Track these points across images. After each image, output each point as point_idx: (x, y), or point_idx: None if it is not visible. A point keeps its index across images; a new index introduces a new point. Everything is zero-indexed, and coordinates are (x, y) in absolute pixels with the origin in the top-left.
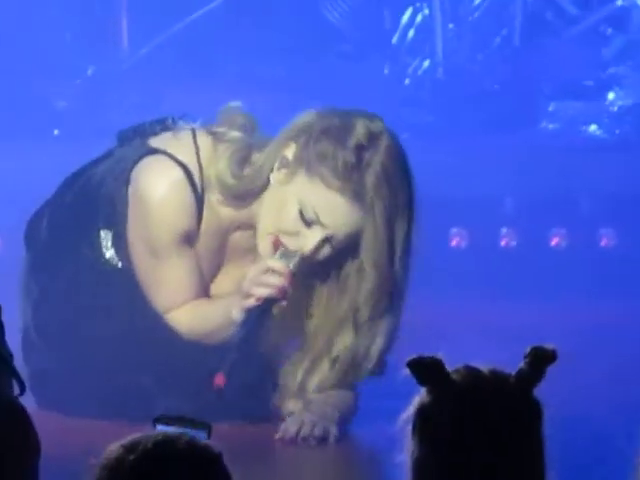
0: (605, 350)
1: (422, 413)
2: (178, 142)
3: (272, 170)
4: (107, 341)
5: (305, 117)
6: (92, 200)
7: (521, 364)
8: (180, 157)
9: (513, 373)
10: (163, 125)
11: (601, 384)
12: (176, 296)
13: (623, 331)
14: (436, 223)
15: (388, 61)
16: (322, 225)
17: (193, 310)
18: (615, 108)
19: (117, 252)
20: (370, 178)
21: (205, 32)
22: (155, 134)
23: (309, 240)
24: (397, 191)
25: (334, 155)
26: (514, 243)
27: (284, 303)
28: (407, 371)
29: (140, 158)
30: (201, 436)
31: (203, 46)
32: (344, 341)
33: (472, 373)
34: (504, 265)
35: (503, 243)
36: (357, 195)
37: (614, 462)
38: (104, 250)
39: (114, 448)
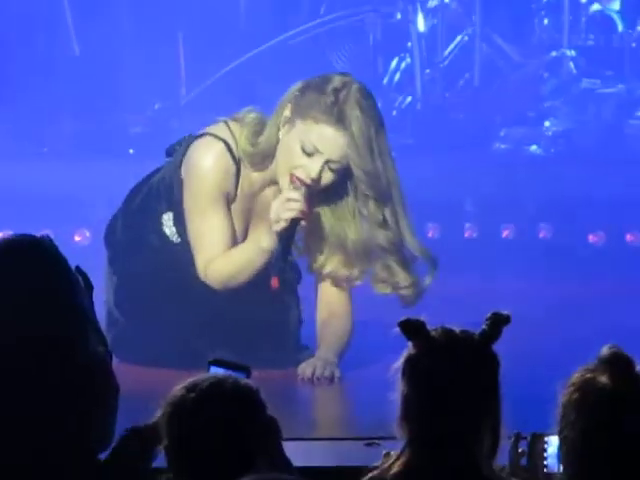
0: (541, 314)
1: (409, 361)
2: (216, 127)
3: (279, 130)
4: (169, 310)
5: (293, 86)
6: (155, 196)
7: (483, 325)
8: (219, 134)
9: (478, 332)
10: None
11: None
12: (215, 247)
13: (559, 300)
14: (417, 220)
15: (379, 97)
16: (320, 152)
17: (228, 256)
18: (550, 133)
19: (177, 229)
20: (347, 108)
21: (249, 74)
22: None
23: (314, 166)
24: (368, 113)
25: (318, 100)
26: (475, 234)
27: (304, 223)
28: (398, 329)
29: (188, 146)
30: (242, 375)
31: (247, 85)
32: (352, 235)
33: (446, 331)
34: (467, 251)
35: (467, 235)
36: (339, 122)
37: (549, 401)
38: (165, 230)
39: (178, 388)
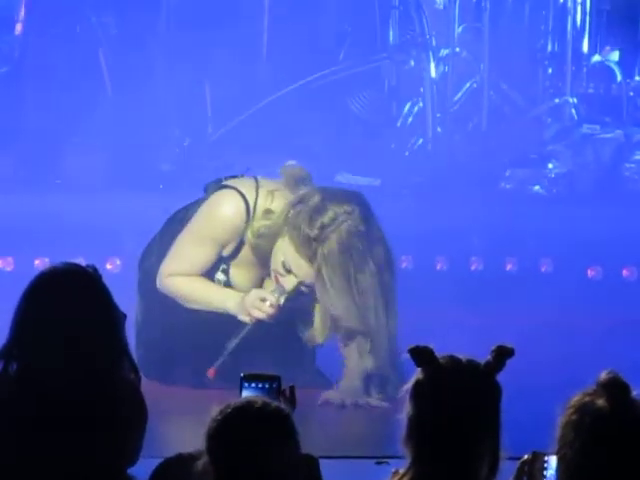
0: (545, 345)
1: (416, 385)
2: (242, 182)
3: (281, 227)
4: (194, 332)
5: (309, 189)
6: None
7: (488, 356)
8: (243, 191)
9: (483, 362)
10: (234, 176)
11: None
12: (186, 266)
13: (559, 330)
14: (426, 252)
15: (394, 139)
16: (295, 274)
17: (194, 281)
18: (552, 174)
19: None
20: (323, 249)
21: (271, 115)
22: (227, 179)
23: (288, 283)
24: (350, 252)
25: (302, 228)
26: (480, 267)
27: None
28: (408, 355)
29: (216, 189)
30: (274, 385)
31: (269, 125)
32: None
33: (453, 360)
34: (473, 283)
35: (472, 267)
36: (313, 259)
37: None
38: None
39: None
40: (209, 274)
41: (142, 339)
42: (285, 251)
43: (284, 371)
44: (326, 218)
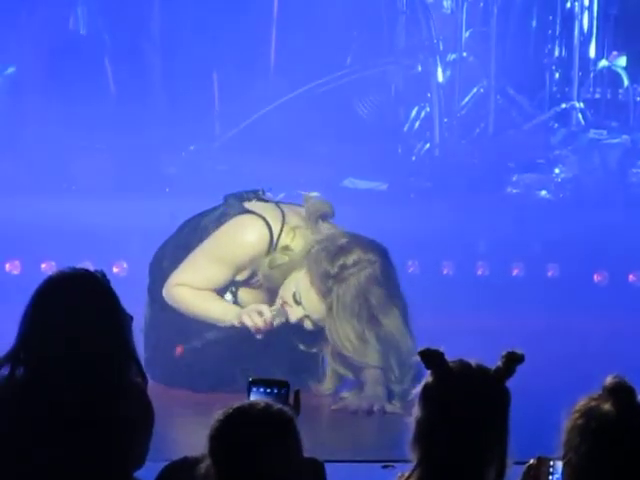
0: (550, 349)
1: (426, 388)
2: (269, 211)
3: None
4: (202, 337)
5: (337, 231)
6: (199, 236)
7: (498, 362)
8: (270, 222)
9: (493, 368)
10: (255, 194)
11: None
12: (196, 280)
13: (565, 334)
14: (432, 257)
15: (401, 143)
16: (303, 307)
17: (201, 294)
18: (559, 179)
19: None
20: (339, 289)
21: (278, 119)
22: (249, 200)
23: (294, 314)
24: (366, 290)
25: (323, 265)
26: (487, 272)
27: (258, 336)
28: (418, 358)
29: (237, 214)
30: (283, 391)
31: (277, 129)
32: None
33: (463, 364)
34: (480, 288)
35: (479, 272)
36: (327, 294)
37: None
38: None
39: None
40: (218, 294)
41: (151, 341)
42: (299, 283)
43: (290, 376)
44: (349, 260)
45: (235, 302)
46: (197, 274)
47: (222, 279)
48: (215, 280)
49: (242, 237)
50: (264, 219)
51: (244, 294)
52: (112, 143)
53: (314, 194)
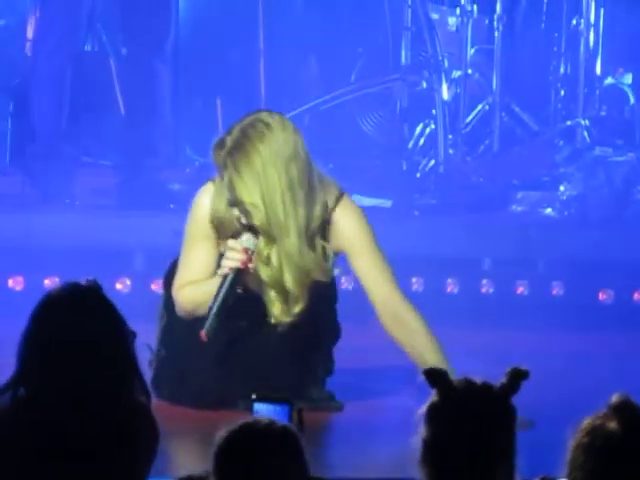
0: (555, 368)
1: (431, 408)
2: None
3: None
4: (215, 351)
5: None
6: None
7: (503, 379)
8: (215, 179)
9: (498, 385)
10: None
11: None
12: (191, 274)
13: (570, 353)
14: (436, 274)
15: (405, 160)
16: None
17: (197, 283)
18: (564, 197)
19: None
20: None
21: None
22: None
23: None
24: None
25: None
26: (491, 290)
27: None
28: (422, 378)
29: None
30: (285, 408)
31: None
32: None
33: (468, 382)
34: (484, 306)
35: (483, 290)
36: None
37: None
38: None
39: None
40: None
41: (160, 357)
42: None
43: (293, 393)
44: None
45: None
46: (187, 268)
47: (208, 257)
48: (203, 262)
49: (195, 206)
50: (212, 181)
51: None
52: (116, 159)
53: None
